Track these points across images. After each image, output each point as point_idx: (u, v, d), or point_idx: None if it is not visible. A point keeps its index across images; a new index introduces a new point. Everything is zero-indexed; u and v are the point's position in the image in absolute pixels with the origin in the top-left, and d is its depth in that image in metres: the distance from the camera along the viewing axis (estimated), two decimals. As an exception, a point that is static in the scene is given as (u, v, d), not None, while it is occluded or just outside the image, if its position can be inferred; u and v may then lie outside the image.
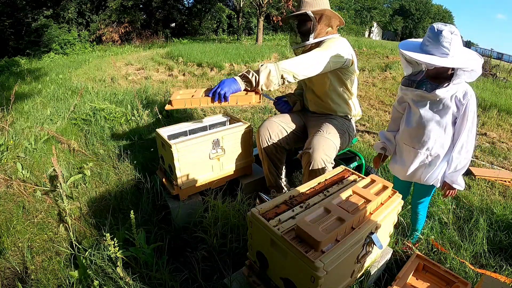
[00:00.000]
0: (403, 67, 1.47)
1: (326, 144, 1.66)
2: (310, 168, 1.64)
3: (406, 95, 1.45)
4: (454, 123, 1.38)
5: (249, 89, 1.61)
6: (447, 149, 1.41)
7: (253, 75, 1.59)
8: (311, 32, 1.78)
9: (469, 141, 1.38)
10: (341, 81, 1.83)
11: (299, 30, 1.85)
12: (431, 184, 1.49)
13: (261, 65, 1.61)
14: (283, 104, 2.10)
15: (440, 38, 1.22)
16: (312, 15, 1.74)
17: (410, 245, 1.60)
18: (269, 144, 1.90)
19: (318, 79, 1.84)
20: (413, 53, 1.27)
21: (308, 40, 1.79)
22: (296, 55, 1.84)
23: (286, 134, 1.92)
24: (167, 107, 1.66)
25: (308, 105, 2.04)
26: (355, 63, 1.84)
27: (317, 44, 1.78)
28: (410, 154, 1.48)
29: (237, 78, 1.60)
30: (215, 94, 1.54)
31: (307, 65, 1.61)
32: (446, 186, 1.46)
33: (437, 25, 1.25)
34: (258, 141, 1.92)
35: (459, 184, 1.43)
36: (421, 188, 1.57)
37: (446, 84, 1.28)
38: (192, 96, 1.64)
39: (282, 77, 1.59)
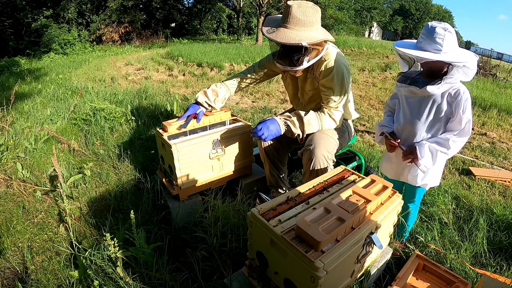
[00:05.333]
0: (400, 65, 1.49)
1: (327, 141, 1.66)
2: (312, 166, 1.63)
3: (400, 91, 1.46)
4: (446, 123, 1.36)
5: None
6: None
7: (298, 135, 1.65)
8: (303, 58, 1.58)
9: (459, 139, 1.31)
10: None
11: (287, 54, 1.62)
12: (417, 185, 1.48)
13: (308, 125, 1.63)
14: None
15: (433, 34, 1.22)
16: (310, 47, 1.53)
17: (398, 244, 1.58)
18: (271, 145, 1.89)
19: (311, 104, 1.84)
20: (406, 49, 1.27)
21: (302, 65, 1.60)
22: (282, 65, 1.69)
23: None
24: (164, 134, 1.79)
25: None
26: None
27: (310, 68, 1.68)
28: (396, 152, 1.48)
29: (281, 125, 1.61)
30: (256, 133, 1.56)
31: (338, 121, 1.72)
32: (409, 150, 1.37)
33: (432, 23, 1.26)
34: (260, 143, 1.92)
35: (423, 155, 1.30)
36: (410, 188, 1.56)
37: (438, 81, 1.27)
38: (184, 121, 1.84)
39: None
